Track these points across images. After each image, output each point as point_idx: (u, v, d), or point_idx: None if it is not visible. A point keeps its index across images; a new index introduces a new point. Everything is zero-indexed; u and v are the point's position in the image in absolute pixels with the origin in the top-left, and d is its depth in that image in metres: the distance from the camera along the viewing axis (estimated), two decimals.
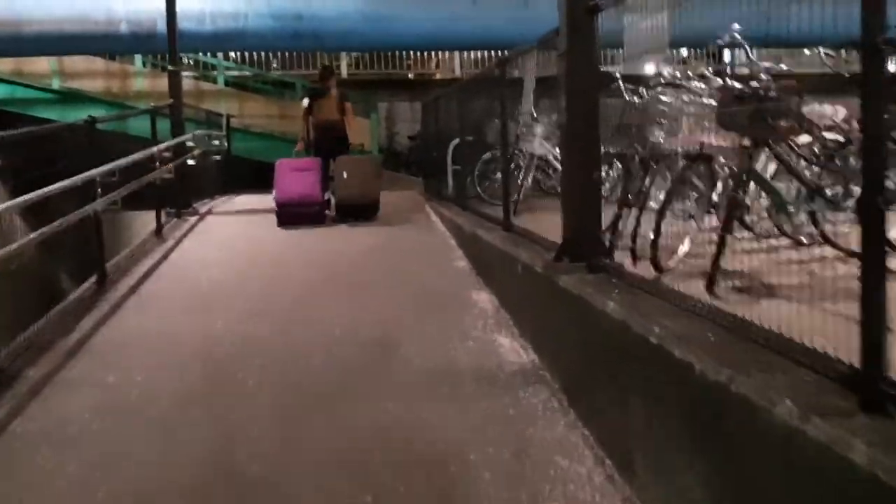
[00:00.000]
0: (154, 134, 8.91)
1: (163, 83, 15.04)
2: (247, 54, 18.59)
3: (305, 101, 10.87)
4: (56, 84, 14.67)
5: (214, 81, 16.07)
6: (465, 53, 20.62)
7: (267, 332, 5.11)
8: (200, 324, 5.33)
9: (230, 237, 8.56)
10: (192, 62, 16.93)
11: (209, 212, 10.63)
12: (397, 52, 20.18)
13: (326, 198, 9.85)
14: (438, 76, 20.90)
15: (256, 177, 15.16)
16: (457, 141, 11.50)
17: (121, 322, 5.50)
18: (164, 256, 7.61)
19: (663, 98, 4.85)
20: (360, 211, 9.68)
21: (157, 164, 8.55)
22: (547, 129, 9.62)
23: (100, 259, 6.53)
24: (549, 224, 5.43)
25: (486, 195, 9.94)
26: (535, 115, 9.66)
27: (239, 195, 13.30)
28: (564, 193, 4.41)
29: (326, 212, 9.81)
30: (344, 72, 19.88)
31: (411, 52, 20.39)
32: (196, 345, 4.90)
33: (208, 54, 16.58)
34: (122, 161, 6.62)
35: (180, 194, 9.99)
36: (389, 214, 9.87)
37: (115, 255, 7.38)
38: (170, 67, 10.22)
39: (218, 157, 12.69)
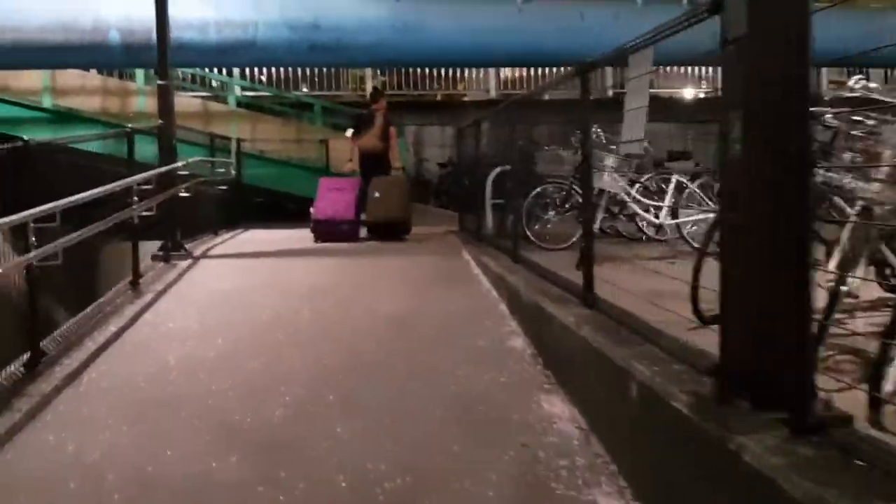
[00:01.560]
0: (131, 160, 7.26)
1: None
2: (265, 73, 17.13)
3: (349, 132, 11.05)
4: (48, 102, 13.14)
5: (225, 102, 14.43)
6: (502, 72, 19.00)
7: (242, 476, 3.35)
8: (145, 457, 3.59)
9: (219, 295, 6.82)
10: (199, 80, 15.40)
11: (206, 253, 8.94)
12: (426, 71, 18.64)
13: (362, 217, 10.28)
14: (468, 98, 19.27)
15: (271, 208, 13.54)
16: (498, 171, 9.86)
17: (36, 443, 3.78)
18: (133, 320, 5.91)
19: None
20: (389, 229, 10.12)
21: (136, 198, 6.90)
22: (618, 160, 7.90)
23: (32, 332, 4.83)
24: (649, 296, 3.90)
25: (537, 238, 8.26)
26: (603, 139, 7.93)
27: (249, 230, 11.63)
28: (731, 277, 2.59)
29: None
30: (368, 92, 18.31)
31: (441, 71, 18.84)
32: None
33: (219, 71, 15.05)
34: (64, 201, 4.91)
35: (169, 233, 8.33)
36: (420, 264, 8.14)
37: (70, 316, 5.72)
38: (159, 82, 8.59)
39: (223, 188, 11.03)
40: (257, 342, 5.31)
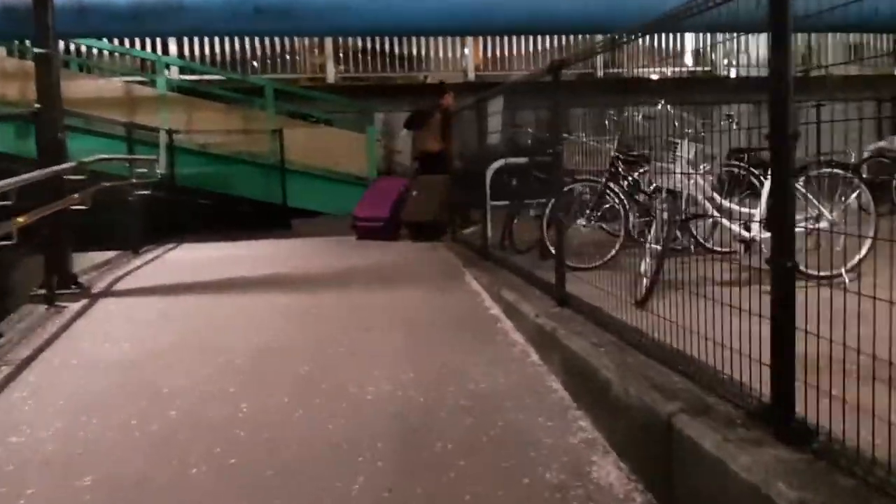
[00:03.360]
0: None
1: (83, 86, 10.97)
2: (206, 50, 14.60)
3: (404, 132, 10.92)
4: None
5: (153, 85, 11.81)
6: (488, 48, 16.69)
7: None
8: None
9: (106, 375, 4.39)
10: (122, 60, 12.81)
11: (112, 288, 6.50)
12: (396, 51, 16.25)
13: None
14: (434, 80, 16.92)
15: (217, 216, 11.07)
16: (500, 164, 7.67)
17: None
18: None
19: None
20: (422, 229, 9.75)
21: None
22: (697, 149, 5.61)
23: None
24: None
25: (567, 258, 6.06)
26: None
27: (183, 245, 9.18)
28: None
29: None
30: (330, 75, 15.90)
31: (410, 49, 16.46)
32: None
33: (142, 45, 12.47)
34: None
35: (54, 264, 5.89)
36: (411, 302, 5.80)
37: None
38: (37, 50, 6.11)
39: (146, 192, 8.55)
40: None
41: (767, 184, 5.45)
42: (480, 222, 8.38)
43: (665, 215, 5.08)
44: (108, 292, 6.27)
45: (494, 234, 7.10)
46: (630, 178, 6.98)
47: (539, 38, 16.67)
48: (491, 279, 5.98)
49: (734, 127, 5.18)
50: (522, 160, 7.98)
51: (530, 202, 7.78)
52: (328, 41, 15.72)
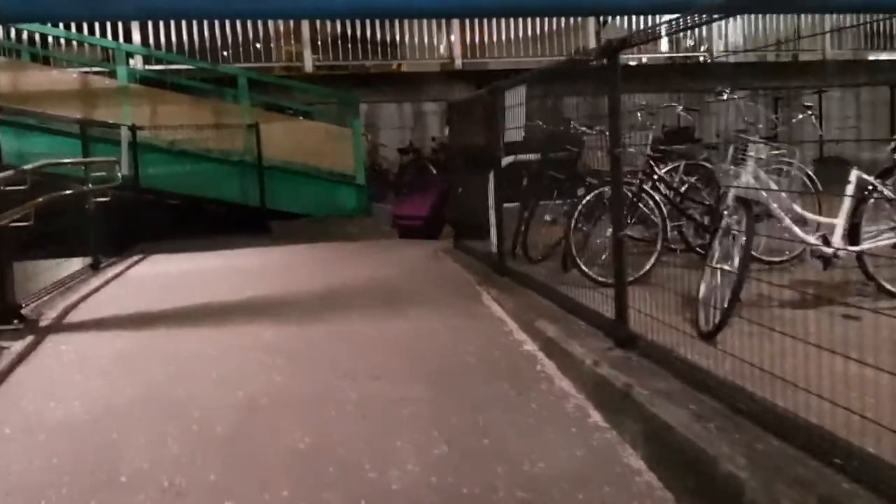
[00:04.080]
0: None
1: (34, 78, 9.85)
2: (173, 37, 13.47)
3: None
4: None
5: (114, 76, 10.64)
6: (473, 33, 15.72)
7: None
8: None
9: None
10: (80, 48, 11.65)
11: (64, 320, 5.47)
12: (378, 36, 15.22)
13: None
14: (410, 68, 15.92)
15: (187, 221, 9.99)
16: (510, 160, 6.82)
17: None
18: None
19: None
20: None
21: None
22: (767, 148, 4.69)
23: None
24: None
25: (589, 265, 5.25)
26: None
27: (150, 257, 8.16)
28: None
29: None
30: (308, 64, 14.83)
31: (397, 37, 15.46)
32: None
33: (102, 33, 11.34)
34: None
35: None
36: (421, 337, 4.82)
37: None
38: None
39: (106, 199, 7.49)
40: None
41: (850, 188, 4.58)
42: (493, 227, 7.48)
43: (737, 228, 4.17)
44: (58, 326, 5.24)
45: (502, 241, 6.18)
46: (672, 181, 6.11)
47: (526, 23, 15.75)
48: (516, 303, 5.06)
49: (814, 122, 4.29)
50: (533, 156, 7.08)
51: (545, 204, 6.90)
52: (305, 27, 14.65)
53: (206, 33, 14.00)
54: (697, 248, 6.08)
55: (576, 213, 5.73)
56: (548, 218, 6.82)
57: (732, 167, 4.29)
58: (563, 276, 5.72)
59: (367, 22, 14.84)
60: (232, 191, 10.28)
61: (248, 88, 10.88)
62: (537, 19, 15.80)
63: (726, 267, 4.11)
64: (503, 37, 15.85)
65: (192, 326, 5.19)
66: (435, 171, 13.88)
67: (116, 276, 7.18)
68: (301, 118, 12.86)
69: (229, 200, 10.19)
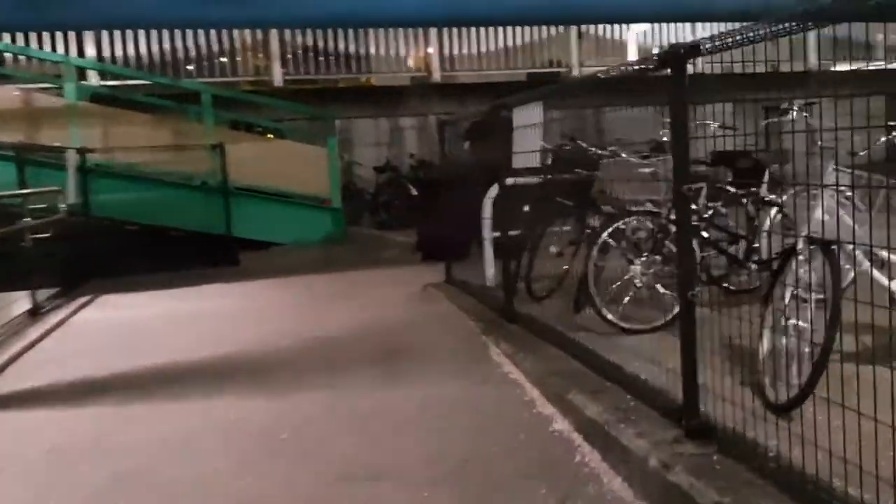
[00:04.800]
0: None
1: None
2: (131, 50, 12.56)
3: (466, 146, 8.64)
4: None
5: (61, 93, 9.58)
6: (452, 45, 14.96)
7: None
8: None
9: None
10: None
11: None
12: (350, 49, 14.40)
13: None
14: (381, 82, 15.09)
15: (145, 253, 8.98)
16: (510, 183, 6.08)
17: None
18: None
19: None
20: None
21: None
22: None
23: None
24: None
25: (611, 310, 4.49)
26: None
27: (100, 298, 7.20)
28: None
29: None
30: (278, 78, 13.94)
31: (372, 51, 14.66)
32: None
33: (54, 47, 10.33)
34: None
35: None
36: (425, 416, 3.88)
37: None
38: None
39: (47, 235, 6.51)
40: None
41: None
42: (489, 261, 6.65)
43: (818, 277, 3.35)
44: None
45: (510, 277, 5.33)
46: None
47: (498, 36, 15.04)
48: (534, 362, 4.20)
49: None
50: (534, 180, 6.28)
51: (550, 233, 6.10)
52: (274, 39, 13.77)
53: (167, 45, 13.09)
54: (725, 285, 5.31)
55: (595, 248, 4.92)
56: (554, 250, 6.02)
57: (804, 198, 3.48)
58: (575, 318, 4.91)
59: (338, 33, 14.06)
60: (195, 218, 9.32)
61: (213, 105, 9.94)
62: (517, 31, 15.12)
63: (802, 324, 3.31)
64: (482, 49, 15.10)
65: (147, 401, 4.25)
66: (415, 192, 13.02)
67: (59, 323, 6.20)
68: (271, 136, 11.94)
69: (192, 229, 9.24)
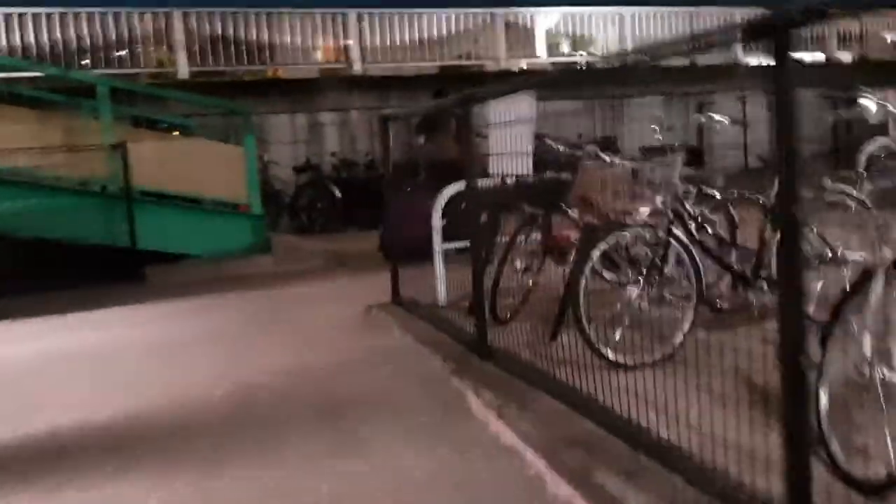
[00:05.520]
0: None
1: None
2: (15, 40, 11.32)
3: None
4: None
5: None
6: (374, 36, 14.10)
7: None
8: None
9: None
10: None
11: None
12: (265, 39, 13.41)
13: None
14: (292, 74, 14.12)
15: (32, 271, 7.76)
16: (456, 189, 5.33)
17: None
18: None
19: None
20: None
21: None
22: None
23: None
24: None
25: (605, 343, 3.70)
26: None
27: None
28: None
29: None
30: (183, 69, 12.77)
31: (287, 40, 13.69)
32: None
33: None
34: None
35: None
36: None
37: None
38: None
39: None
40: None
41: None
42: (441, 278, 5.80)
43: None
44: None
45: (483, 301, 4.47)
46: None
47: (423, 25, 14.30)
48: (534, 421, 3.36)
49: None
50: (495, 183, 5.51)
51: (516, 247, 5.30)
52: (178, 26, 12.61)
53: (58, 34, 11.80)
54: (718, 306, 4.61)
55: (585, 270, 4.13)
56: (519, 265, 5.23)
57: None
58: (550, 350, 4.10)
59: (248, 21, 13.03)
60: (93, 229, 8.13)
61: (111, 99, 8.74)
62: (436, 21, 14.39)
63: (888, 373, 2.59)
64: (407, 38, 14.27)
65: (23, 490, 3.20)
66: (338, 194, 12.07)
67: None
68: (178, 134, 10.78)
69: (90, 241, 8.04)
